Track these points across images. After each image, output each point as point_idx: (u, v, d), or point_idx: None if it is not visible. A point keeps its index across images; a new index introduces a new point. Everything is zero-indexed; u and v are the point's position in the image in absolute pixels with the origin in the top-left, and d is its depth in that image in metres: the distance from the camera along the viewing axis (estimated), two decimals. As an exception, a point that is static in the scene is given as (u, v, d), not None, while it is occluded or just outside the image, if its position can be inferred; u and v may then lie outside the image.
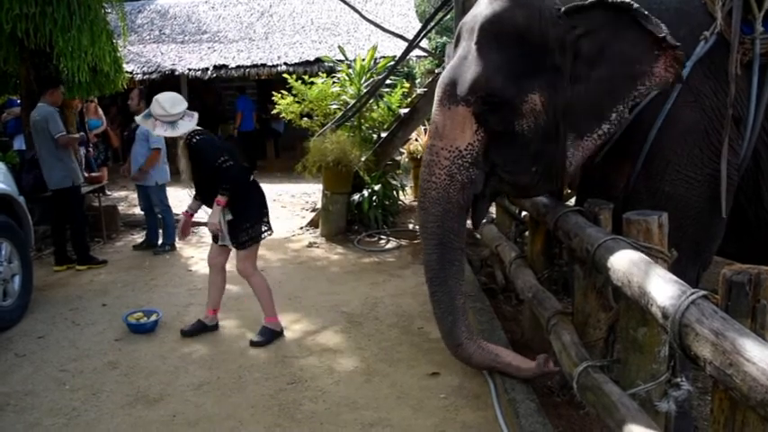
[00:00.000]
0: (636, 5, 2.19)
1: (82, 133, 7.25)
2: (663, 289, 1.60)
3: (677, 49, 2.14)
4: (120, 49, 6.87)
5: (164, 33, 12.54)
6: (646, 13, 2.18)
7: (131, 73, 9.95)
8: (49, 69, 5.89)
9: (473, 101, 2.36)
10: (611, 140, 2.39)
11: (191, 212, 3.89)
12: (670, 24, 2.34)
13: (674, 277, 1.65)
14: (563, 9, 2.29)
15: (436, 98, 2.53)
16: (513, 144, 2.38)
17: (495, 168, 2.48)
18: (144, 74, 10.75)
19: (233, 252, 3.88)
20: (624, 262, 1.88)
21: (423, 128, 7.12)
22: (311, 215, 7.06)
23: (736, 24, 2.21)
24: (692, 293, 1.48)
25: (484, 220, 5.13)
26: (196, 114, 3.74)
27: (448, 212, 2.50)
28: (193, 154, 3.67)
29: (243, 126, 11.38)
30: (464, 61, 2.43)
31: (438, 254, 2.61)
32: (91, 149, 8.34)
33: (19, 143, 7.32)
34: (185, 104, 3.72)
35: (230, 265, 5.58)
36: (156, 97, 3.68)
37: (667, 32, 2.14)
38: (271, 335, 3.80)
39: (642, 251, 1.93)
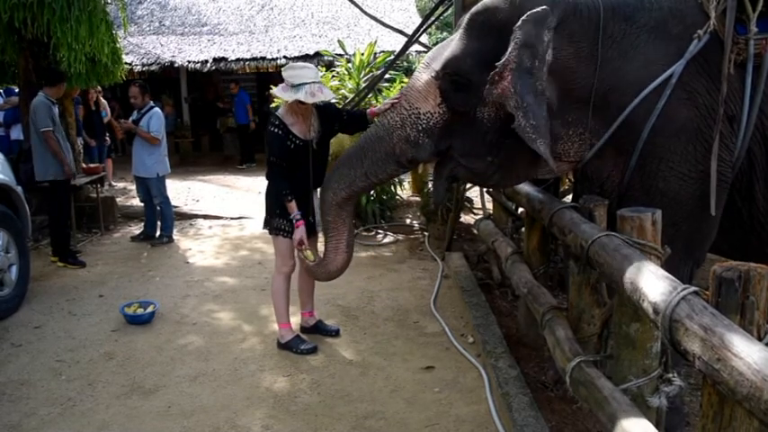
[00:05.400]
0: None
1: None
2: (654, 285, 1.61)
3: None
4: (119, 41, 6.85)
5: (164, 25, 12.49)
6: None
7: (130, 64, 9.92)
8: (47, 59, 5.88)
9: (441, 76, 2.51)
10: (603, 138, 2.40)
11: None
12: (663, 22, 2.35)
13: (666, 273, 1.66)
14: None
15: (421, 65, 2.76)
16: (472, 129, 2.49)
17: (451, 151, 2.59)
18: (143, 65, 10.72)
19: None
20: (617, 258, 1.89)
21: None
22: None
23: (729, 24, 2.21)
24: (683, 289, 1.49)
25: (480, 218, 5.15)
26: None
27: (381, 140, 2.67)
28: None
29: (238, 120, 11.36)
30: (449, 42, 2.61)
31: (347, 157, 2.82)
32: (92, 141, 8.32)
33: (17, 133, 7.31)
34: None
35: (226, 258, 5.59)
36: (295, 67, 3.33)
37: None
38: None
39: (635, 248, 1.94)
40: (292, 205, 3.32)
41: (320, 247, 3.70)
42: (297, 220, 3.31)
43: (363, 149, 2.75)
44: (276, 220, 3.47)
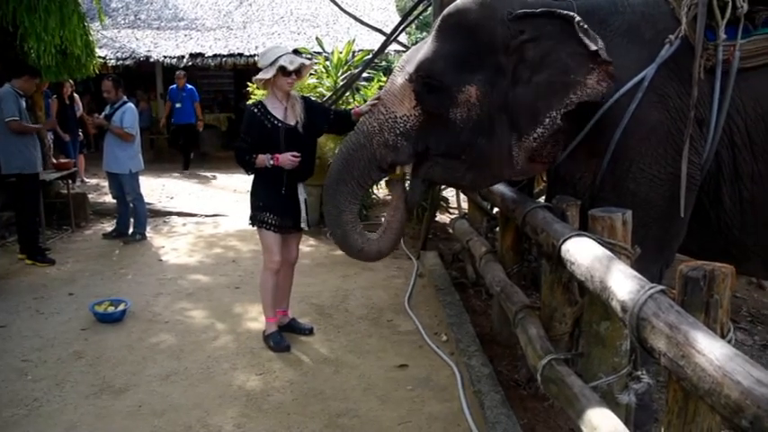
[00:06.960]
0: (578, 18, 2.30)
1: (43, 125, 7.08)
2: (623, 284, 1.64)
3: (610, 65, 2.25)
4: (92, 33, 6.70)
5: (139, 18, 12.28)
6: (586, 27, 2.29)
7: (104, 58, 9.71)
8: (14, 50, 5.71)
9: (415, 78, 2.52)
10: (576, 140, 2.44)
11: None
12: (636, 26, 2.39)
13: (634, 272, 1.69)
14: (514, 13, 2.38)
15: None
16: (446, 129, 2.51)
17: (428, 151, 2.60)
18: (118, 59, 10.51)
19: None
20: (587, 257, 1.91)
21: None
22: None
23: (700, 30, 2.26)
24: (650, 288, 1.52)
25: (456, 217, 5.18)
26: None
27: (363, 147, 2.65)
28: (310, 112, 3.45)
29: (182, 118, 10.11)
30: (423, 44, 2.63)
31: (338, 172, 2.75)
32: (66, 135, 8.12)
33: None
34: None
35: (199, 256, 5.51)
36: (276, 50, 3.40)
37: (602, 47, 2.24)
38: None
39: (606, 247, 1.97)
40: (261, 158, 3.31)
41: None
42: (271, 158, 3.30)
43: (348, 161, 2.71)
44: (260, 213, 3.49)
